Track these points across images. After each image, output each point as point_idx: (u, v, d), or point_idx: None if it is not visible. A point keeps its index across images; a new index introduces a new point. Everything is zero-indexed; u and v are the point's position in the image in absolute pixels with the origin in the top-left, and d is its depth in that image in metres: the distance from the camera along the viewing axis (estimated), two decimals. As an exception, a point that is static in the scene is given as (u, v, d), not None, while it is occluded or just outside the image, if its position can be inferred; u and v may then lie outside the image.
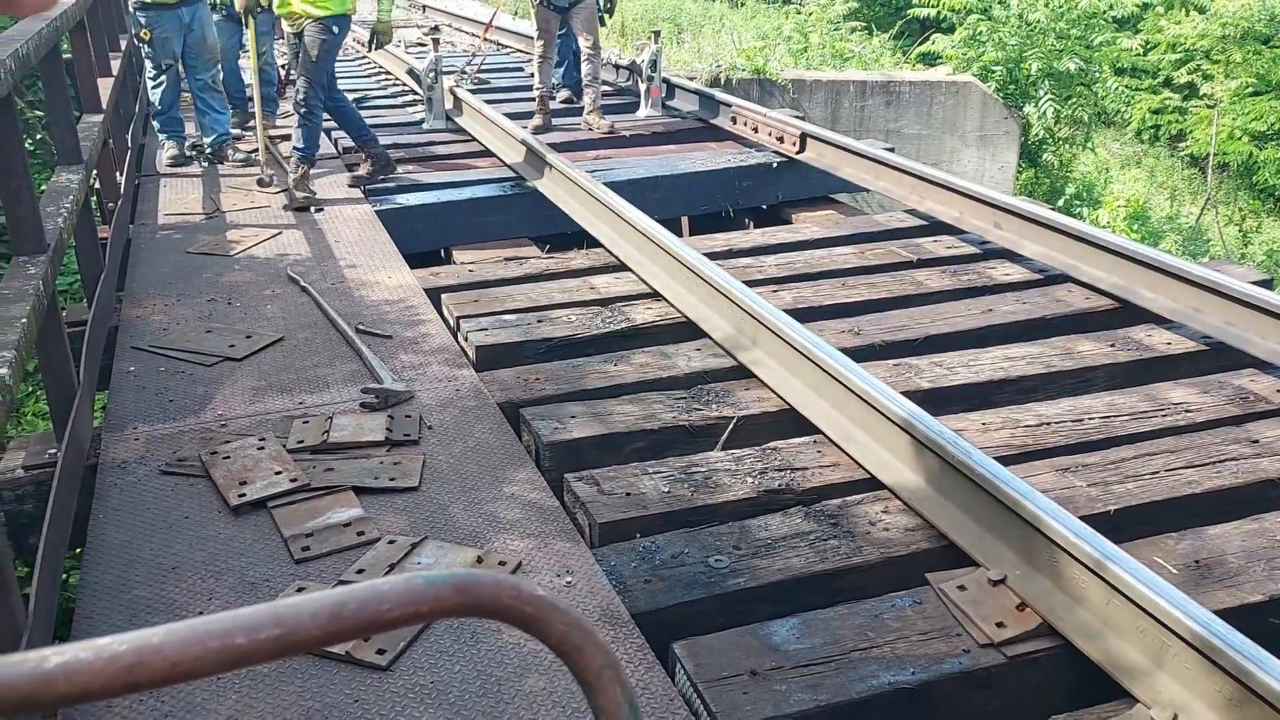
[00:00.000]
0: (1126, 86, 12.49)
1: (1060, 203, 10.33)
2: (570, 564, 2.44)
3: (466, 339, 3.82)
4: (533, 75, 7.26)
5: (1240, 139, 16.09)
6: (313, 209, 5.31)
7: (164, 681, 0.43)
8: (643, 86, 7.77)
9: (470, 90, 7.72)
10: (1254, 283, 3.89)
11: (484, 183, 5.96)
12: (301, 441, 2.96)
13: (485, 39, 10.28)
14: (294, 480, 2.74)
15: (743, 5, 16.98)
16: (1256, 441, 2.98)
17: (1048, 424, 3.11)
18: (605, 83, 7.85)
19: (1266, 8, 12.36)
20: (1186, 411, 3.19)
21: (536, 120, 7.04)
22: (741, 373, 3.56)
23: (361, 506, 2.66)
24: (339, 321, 3.81)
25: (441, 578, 0.50)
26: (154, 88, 6.16)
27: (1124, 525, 2.60)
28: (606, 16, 7.38)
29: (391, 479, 2.79)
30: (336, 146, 6.79)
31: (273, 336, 3.74)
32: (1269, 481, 2.78)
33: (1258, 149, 16.20)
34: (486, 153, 6.58)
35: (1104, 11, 10.80)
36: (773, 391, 3.39)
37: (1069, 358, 3.61)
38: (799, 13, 12.70)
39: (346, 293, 4.17)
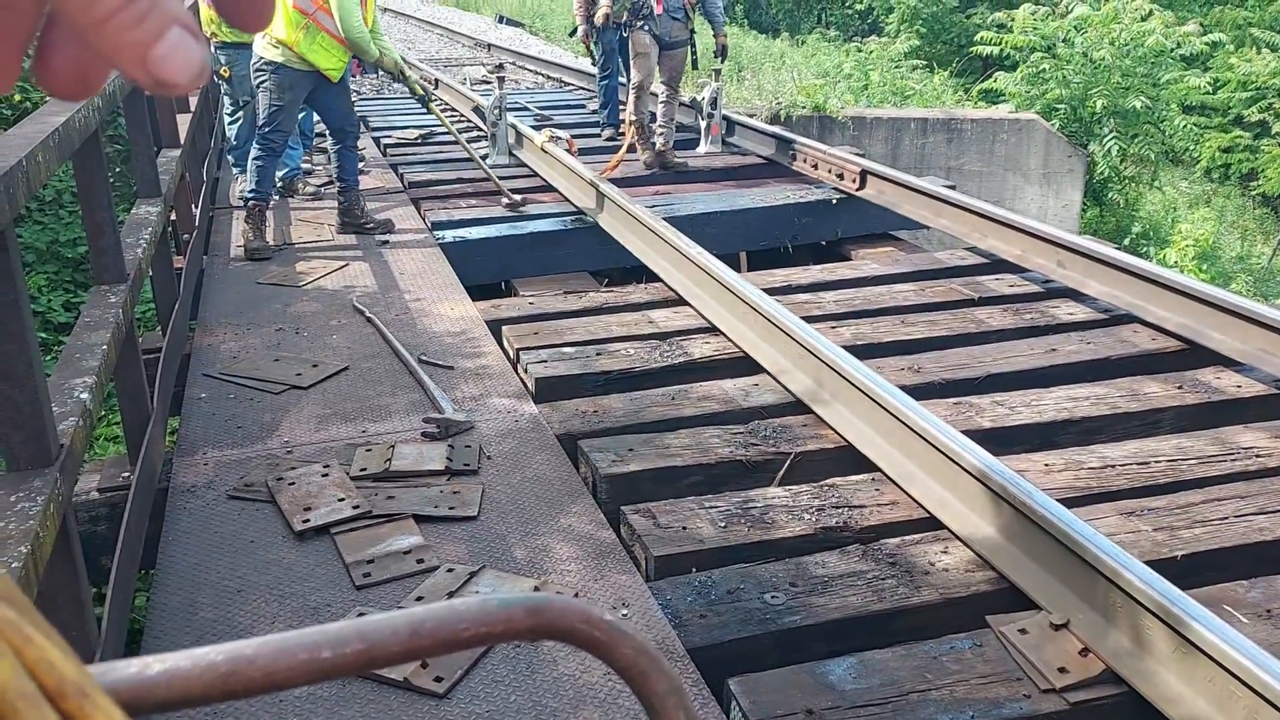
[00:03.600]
0: (1195, 124, 12.27)
1: (1126, 242, 10.16)
2: (626, 597, 2.45)
3: (526, 370, 3.87)
4: (622, 106, 7.20)
5: (1314, 178, 15.67)
6: (379, 240, 5.44)
7: (257, 690, 0.45)
8: (703, 123, 7.85)
9: (533, 126, 7.85)
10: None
11: (545, 217, 6.05)
12: (364, 469, 3.02)
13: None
14: (356, 507, 2.80)
15: (803, 43, 17.07)
16: (1333, 489, 2.89)
17: (1112, 466, 3.06)
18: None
19: (1341, 45, 12.07)
20: (1257, 456, 3.11)
21: (645, 156, 7.00)
22: (799, 409, 3.55)
23: (421, 534, 2.70)
24: (402, 352, 3.89)
25: (515, 599, 0.52)
26: (231, 123, 6.38)
27: (1191, 571, 2.53)
28: (720, 62, 7.36)
29: (451, 508, 2.83)
30: (403, 181, 6.95)
31: (338, 365, 3.82)
32: (1346, 530, 2.69)
33: (1333, 188, 15.77)
34: (548, 187, 6.68)
35: (1171, 50, 10.65)
36: (831, 428, 3.37)
37: (1134, 399, 3.54)
38: (860, 51, 12.74)
39: (410, 324, 4.25)
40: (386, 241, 5.46)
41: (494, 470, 3.05)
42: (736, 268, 5.98)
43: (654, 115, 7.13)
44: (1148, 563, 2.35)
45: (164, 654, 0.46)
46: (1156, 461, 3.09)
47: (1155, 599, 2.10)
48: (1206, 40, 11.68)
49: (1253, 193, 16.58)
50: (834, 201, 6.36)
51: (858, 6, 21.38)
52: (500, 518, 2.80)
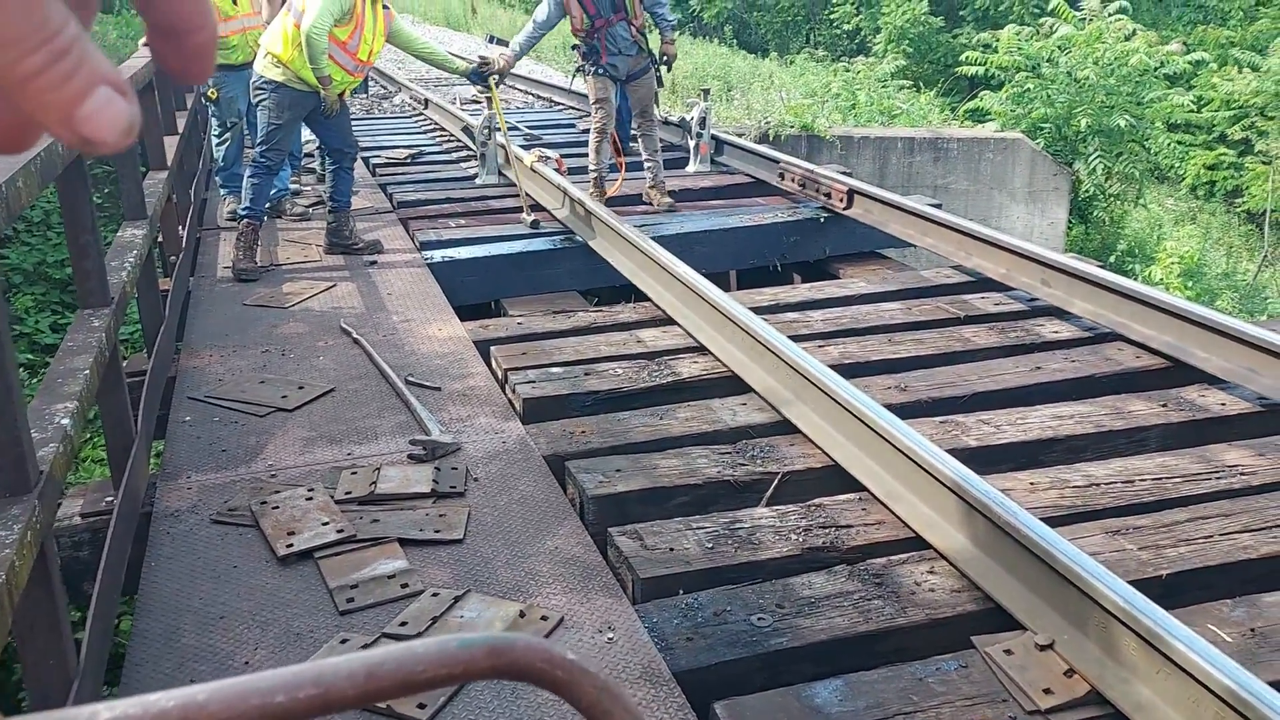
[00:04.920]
0: (1179, 142, 12.38)
1: (1112, 259, 10.22)
2: (612, 620, 2.44)
3: (514, 391, 3.87)
4: (589, 148, 6.70)
5: (1299, 194, 15.82)
6: (366, 261, 5.43)
7: (209, 737, 0.45)
8: (692, 143, 7.88)
9: (523, 145, 7.87)
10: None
11: (534, 236, 6.06)
12: (349, 492, 3.01)
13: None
14: (341, 531, 2.78)
15: (792, 63, 17.19)
16: (1317, 506, 2.90)
17: (1097, 485, 3.06)
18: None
19: (1323, 64, 12.22)
20: (1242, 474, 3.12)
21: (600, 200, 6.65)
22: (787, 428, 3.55)
23: (406, 558, 2.69)
24: (389, 373, 3.89)
25: (475, 640, 0.52)
26: (218, 144, 6.38)
27: (1176, 590, 2.54)
28: (665, 72, 6.98)
29: (436, 531, 2.81)
30: (392, 201, 6.96)
31: (324, 387, 3.81)
32: (1330, 548, 2.70)
33: (1318, 204, 15.92)
34: (537, 206, 6.69)
35: (1155, 69, 10.75)
36: (818, 448, 3.37)
37: (1119, 417, 3.55)
38: (847, 70, 12.83)
39: (397, 344, 4.25)
40: (375, 262, 5.45)
41: (480, 492, 3.04)
42: (726, 286, 6.00)
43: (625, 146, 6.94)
44: (1132, 582, 2.36)
45: (113, 700, 0.46)
46: (1141, 480, 3.10)
47: (1138, 619, 2.10)
48: (1189, 59, 11.81)
49: (1237, 210, 16.72)
50: (822, 220, 6.39)
51: (845, 27, 21.57)
52: (486, 540, 2.79)
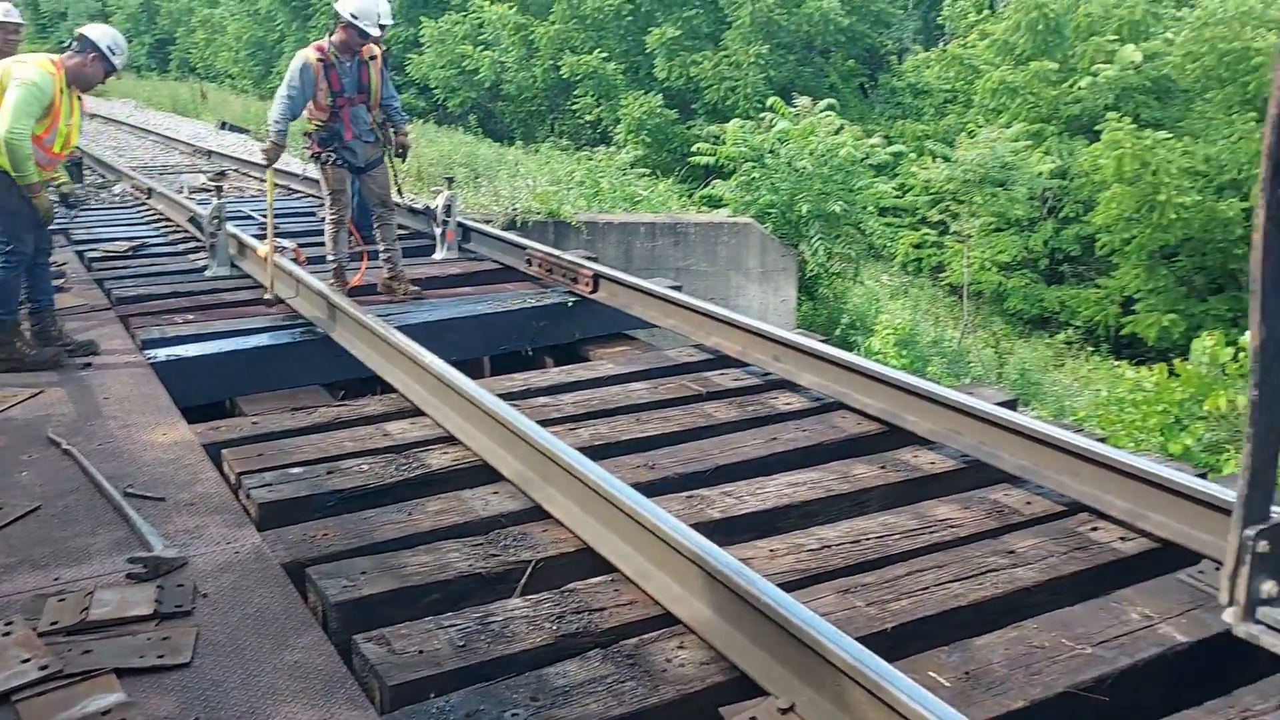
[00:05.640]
0: (889, 224, 13.72)
1: (837, 332, 11.09)
2: (358, 733, 2.31)
3: (248, 496, 3.64)
4: (325, 239, 6.59)
5: (990, 269, 17.89)
6: (79, 364, 4.99)
7: None
8: (438, 230, 7.87)
9: (256, 235, 7.56)
10: (1000, 403, 4.27)
11: (272, 329, 5.80)
12: (55, 622, 2.71)
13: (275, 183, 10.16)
14: (44, 668, 2.49)
15: (537, 151, 17.64)
16: (1012, 552, 3.23)
17: (829, 547, 3.26)
18: (400, 226, 7.62)
19: (997, 156, 14.00)
20: (951, 527, 3.43)
21: (341, 291, 6.61)
22: (539, 515, 3.55)
23: (124, 690, 2.44)
24: (105, 485, 3.56)
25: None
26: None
27: (901, 642, 2.73)
28: (400, 163, 7.01)
29: (160, 656, 2.58)
30: (110, 297, 6.46)
31: (27, 506, 3.43)
32: (1024, 590, 3.01)
33: (1005, 278, 18.06)
34: (276, 299, 6.43)
35: (861, 159, 11.91)
36: (570, 532, 3.39)
37: (845, 481, 3.82)
38: (590, 159, 13.32)
39: (115, 453, 3.91)
40: (89, 364, 5.02)
41: (210, 609, 2.82)
42: (480, 373, 5.99)
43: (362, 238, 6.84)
44: (862, 638, 2.52)
45: None
46: (866, 539, 3.33)
47: (865, 673, 2.25)
48: (891, 150, 13.17)
49: (941, 283, 18.66)
50: (570, 304, 6.54)
51: (587, 117, 22.45)
52: (217, 662, 2.58)
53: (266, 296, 6.20)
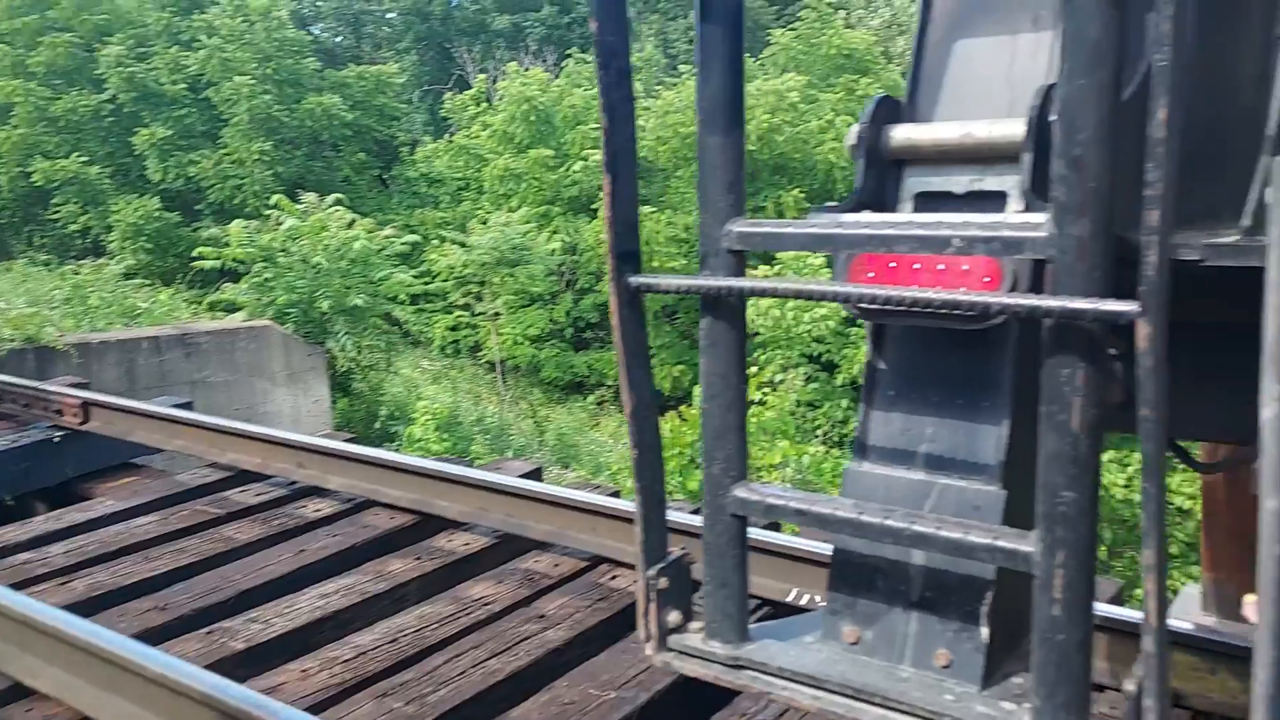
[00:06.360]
0: (420, 311, 13.88)
1: (378, 425, 10.94)
2: None
3: None
4: None
5: (523, 344, 18.86)
6: None
7: None
8: None
9: None
10: (526, 474, 4.47)
11: None
12: None
13: None
14: None
15: (9, 270, 15.45)
16: (544, 616, 3.36)
17: (364, 653, 3.16)
18: None
19: (508, 239, 14.86)
20: (486, 605, 3.49)
21: None
22: (21, 692, 3.03)
23: None
24: None
25: None
26: None
27: (447, 735, 2.71)
28: None
29: None
30: None
31: None
32: (555, 650, 3.14)
33: (537, 350, 19.13)
34: None
35: (379, 251, 11.97)
36: (62, 704, 2.94)
37: (381, 579, 3.74)
38: (76, 274, 11.94)
39: None
40: None
41: None
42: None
43: None
44: (395, 742, 2.45)
45: None
46: (404, 635, 3.27)
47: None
48: (409, 240, 13.39)
49: (481, 362, 19.27)
50: (57, 440, 5.75)
51: (73, 226, 20.18)
52: None
53: None
